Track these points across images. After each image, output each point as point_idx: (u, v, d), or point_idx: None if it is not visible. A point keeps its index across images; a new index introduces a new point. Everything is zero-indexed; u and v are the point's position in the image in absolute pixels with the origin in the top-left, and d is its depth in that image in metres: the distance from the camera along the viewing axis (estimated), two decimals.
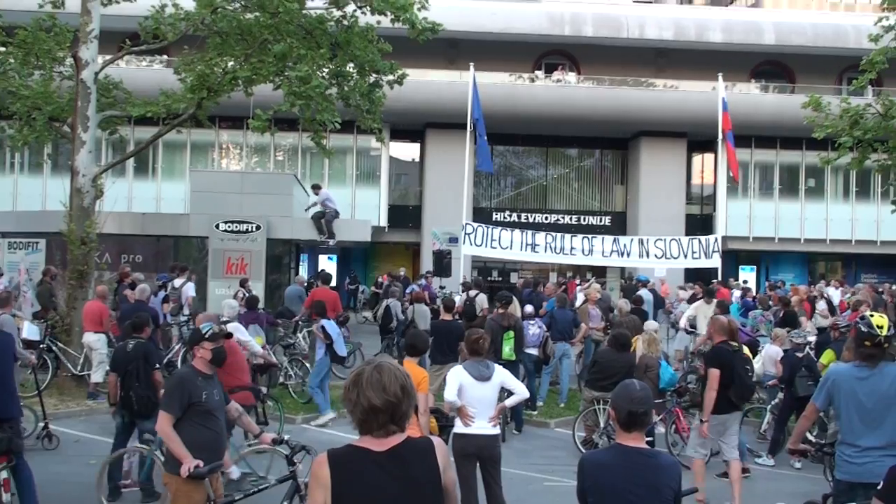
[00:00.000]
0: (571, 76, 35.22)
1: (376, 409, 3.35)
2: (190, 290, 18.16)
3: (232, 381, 8.91)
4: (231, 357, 8.87)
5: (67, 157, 18.16)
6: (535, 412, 14.24)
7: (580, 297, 18.77)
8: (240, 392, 8.93)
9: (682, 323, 16.87)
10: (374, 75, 17.64)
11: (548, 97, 32.48)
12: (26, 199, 30.84)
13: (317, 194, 22.13)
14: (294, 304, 18.59)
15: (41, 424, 11.29)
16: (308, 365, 15.32)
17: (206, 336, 6.53)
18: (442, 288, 23.31)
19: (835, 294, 22.45)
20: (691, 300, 18.32)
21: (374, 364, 3.46)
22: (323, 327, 13.42)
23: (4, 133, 19.57)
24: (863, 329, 6.03)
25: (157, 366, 9.45)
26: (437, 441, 3.57)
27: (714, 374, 9.30)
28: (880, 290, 21.25)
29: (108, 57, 17.39)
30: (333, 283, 24.53)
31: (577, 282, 23.63)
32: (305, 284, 19.63)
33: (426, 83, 29.80)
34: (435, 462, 3.46)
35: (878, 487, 4.72)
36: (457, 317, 14.17)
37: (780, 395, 12.45)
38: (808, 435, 10.16)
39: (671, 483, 4.23)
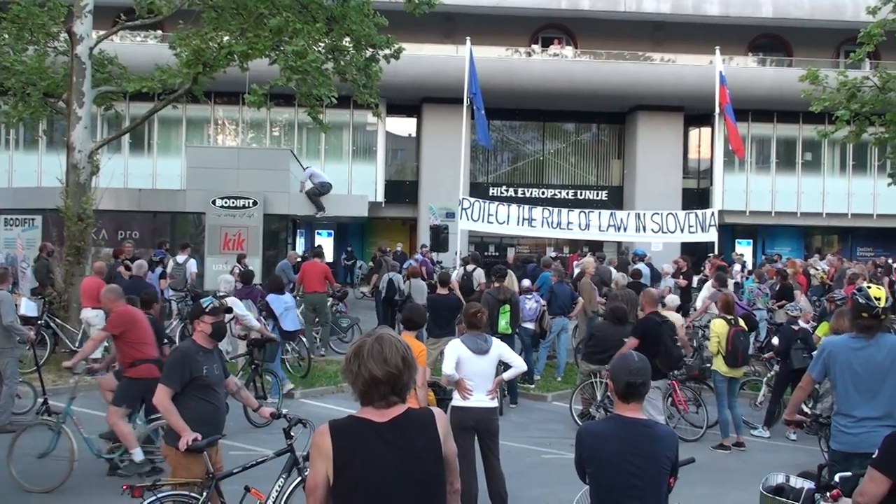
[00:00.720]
0: (568, 50, 35.07)
1: (377, 380, 3.37)
2: (193, 266, 18.17)
3: (135, 353, 8.85)
4: (134, 329, 8.93)
5: (63, 133, 18.13)
6: (533, 386, 14.30)
7: (577, 272, 18.83)
8: (142, 365, 8.80)
9: (699, 304, 16.80)
10: (371, 50, 17.56)
11: (544, 71, 32.36)
12: (22, 176, 30.73)
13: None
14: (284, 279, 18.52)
15: (40, 400, 11.30)
16: (304, 339, 15.39)
17: (207, 310, 6.56)
18: (438, 262, 23.33)
19: (820, 266, 22.46)
20: (675, 275, 18.30)
21: (374, 336, 3.47)
22: (267, 304, 13.43)
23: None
24: (861, 301, 6.05)
25: (165, 341, 9.48)
26: (437, 412, 3.60)
27: (632, 342, 9.94)
28: (879, 265, 21.26)
29: (102, 32, 17.28)
30: (330, 258, 24.60)
31: (577, 256, 23.66)
32: (298, 259, 19.57)
33: (422, 58, 29.68)
34: (435, 432, 3.48)
35: (874, 456, 4.74)
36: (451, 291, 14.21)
37: (776, 367, 12.52)
38: (804, 406, 10.22)
39: (668, 453, 4.27)
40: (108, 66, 18.28)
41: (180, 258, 18.02)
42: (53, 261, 16.70)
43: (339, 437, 3.38)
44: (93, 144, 16.51)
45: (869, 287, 6.18)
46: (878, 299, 6.00)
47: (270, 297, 13.46)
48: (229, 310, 7.22)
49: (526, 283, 15.46)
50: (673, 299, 13.13)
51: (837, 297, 13.09)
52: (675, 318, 12.18)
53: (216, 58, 16.47)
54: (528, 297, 14.62)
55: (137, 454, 8.51)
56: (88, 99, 16.02)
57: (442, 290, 13.48)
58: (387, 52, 17.63)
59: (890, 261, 24.21)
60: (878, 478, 4.66)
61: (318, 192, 21.84)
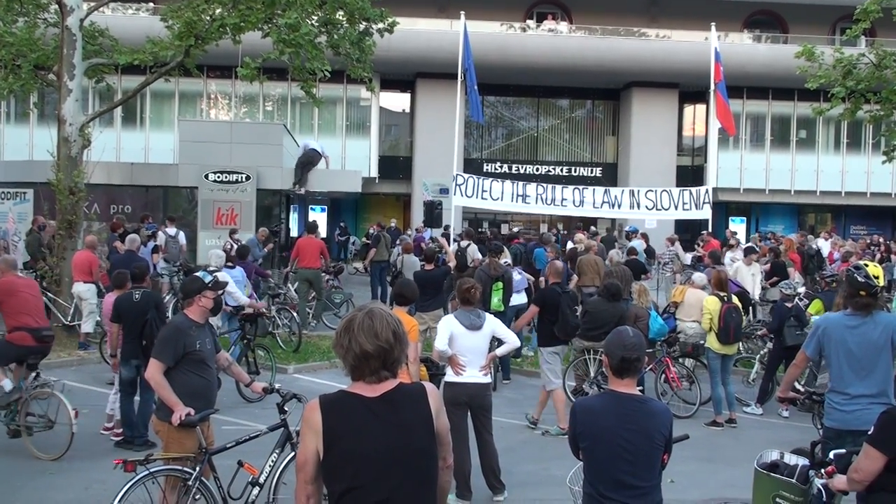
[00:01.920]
0: (563, 26, 34.88)
1: (368, 354, 3.33)
2: (182, 238, 18.09)
3: (12, 320, 9.04)
4: (12, 298, 9.07)
5: (54, 106, 17.96)
6: (519, 359, 14.33)
7: (570, 246, 18.84)
8: (17, 332, 8.98)
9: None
10: (364, 23, 17.42)
11: (539, 47, 32.18)
12: (13, 149, 30.54)
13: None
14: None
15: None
16: (295, 314, 15.39)
17: (210, 285, 6.53)
18: (433, 240, 23.27)
19: (824, 245, 22.51)
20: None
21: (365, 310, 3.43)
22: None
23: None
24: (859, 279, 6.03)
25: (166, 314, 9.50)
26: (429, 387, 3.56)
27: (532, 309, 10.75)
28: (872, 243, 21.30)
29: (93, 3, 17.10)
30: (323, 234, 24.52)
31: (583, 231, 23.59)
32: (265, 236, 19.15)
33: (416, 32, 29.49)
34: (427, 407, 3.44)
35: (869, 433, 4.75)
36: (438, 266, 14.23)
37: (770, 344, 12.53)
38: (797, 384, 10.24)
39: (662, 429, 4.26)
40: (99, 39, 18.08)
41: (171, 231, 17.93)
42: (45, 235, 16.61)
43: (329, 412, 3.35)
44: (84, 117, 16.38)
45: (867, 265, 6.16)
46: (877, 277, 6.00)
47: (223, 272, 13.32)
48: (225, 284, 7.20)
49: (507, 259, 15.46)
50: (700, 277, 13.07)
51: (827, 274, 13.08)
52: (700, 295, 12.19)
53: (208, 30, 16.30)
54: (513, 270, 14.55)
55: (6, 384, 8.92)
56: (79, 71, 15.87)
57: (428, 266, 13.70)
58: (380, 25, 17.49)
59: (881, 239, 24.31)
60: (873, 454, 4.67)
61: (306, 162, 21.67)
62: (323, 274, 17.44)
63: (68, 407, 8.75)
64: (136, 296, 9.27)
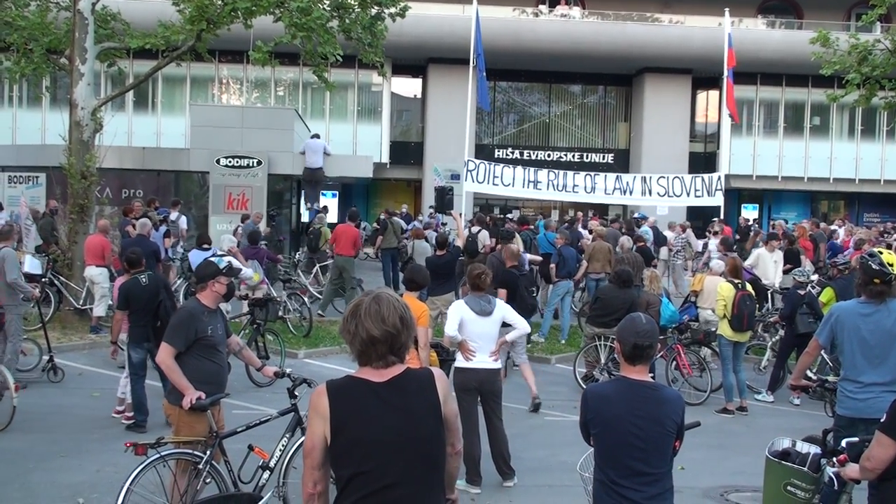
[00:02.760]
0: (576, 11, 34.67)
1: (375, 339, 3.31)
2: (184, 223, 18.07)
3: None
4: None
5: (66, 90, 17.95)
6: (529, 345, 14.33)
7: (584, 233, 18.80)
8: None
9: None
10: (376, 7, 17.35)
11: (551, 32, 31.99)
12: (25, 133, 30.62)
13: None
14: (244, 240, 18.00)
15: (46, 357, 11.35)
16: (306, 299, 15.43)
17: (224, 271, 6.54)
18: (444, 224, 23.25)
19: (840, 232, 22.37)
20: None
21: (372, 295, 3.42)
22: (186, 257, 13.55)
23: (1, 65, 19.31)
24: (874, 267, 5.98)
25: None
26: (437, 372, 3.54)
27: (501, 292, 10.86)
28: (885, 230, 21.15)
29: None
30: (333, 219, 24.50)
31: (597, 217, 23.61)
32: (260, 218, 18.94)
33: (428, 17, 29.37)
34: (435, 393, 3.43)
35: (882, 421, 4.72)
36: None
37: (782, 332, 12.48)
38: (808, 372, 10.20)
39: (674, 416, 4.23)
40: (111, 22, 18.07)
41: (172, 215, 17.95)
42: (58, 218, 16.65)
43: (336, 397, 3.34)
44: (96, 101, 16.38)
45: (881, 252, 6.11)
46: (892, 265, 5.95)
47: (192, 253, 13.44)
48: (239, 270, 7.21)
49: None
50: (719, 265, 12.99)
51: (840, 262, 12.99)
52: (716, 282, 12.13)
53: (220, 14, 16.25)
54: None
55: None
56: (91, 55, 15.86)
57: (439, 252, 13.78)
58: (392, 10, 17.42)
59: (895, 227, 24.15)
60: (886, 442, 4.64)
61: (310, 180, 21.48)
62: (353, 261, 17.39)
63: (9, 379, 8.89)
64: (144, 280, 9.27)
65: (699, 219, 27.93)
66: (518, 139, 36.43)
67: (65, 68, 16.90)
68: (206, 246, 13.85)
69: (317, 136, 22.66)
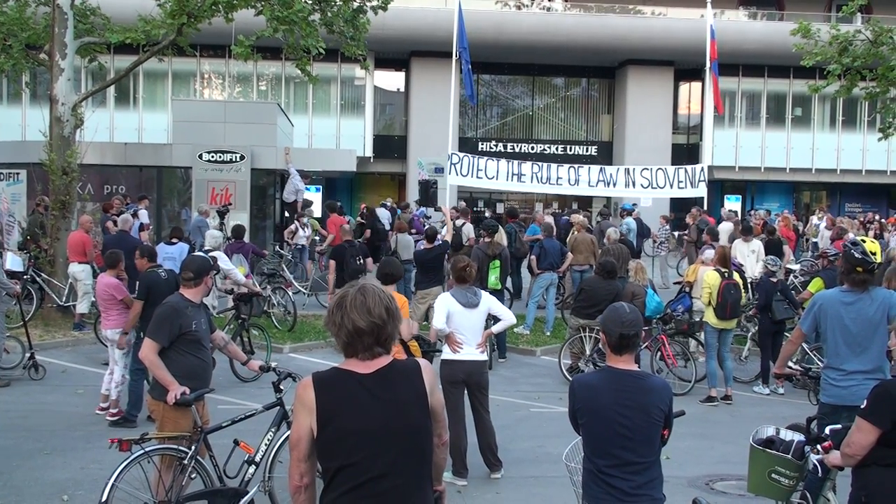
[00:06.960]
0: (558, 3, 34.69)
1: (361, 331, 3.31)
2: (144, 217, 17.93)
3: None
4: None
5: (46, 85, 17.85)
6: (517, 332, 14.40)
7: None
8: None
9: None
10: (358, 0, 17.29)
11: (534, 25, 32.02)
12: (5, 130, 30.29)
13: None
14: (195, 235, 17.35)
15: (27, 355, 11.28)
16: (290, 293, 15.39)
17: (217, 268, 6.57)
18: (428, 217, 23.20)
19: (822, 228, 22.42)
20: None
21: (357, 287, 3.42)
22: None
23: None
24: (856, 255, 6.02)
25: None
26: (423, 363, 3.54)
27: (331, 264, 13.41)
28: (867, 221, 21.27)
29: None
30: (318, 213, 24.44)
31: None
32: (209, 217, 18.81)
33: (411, 10, 29.30)
34: (422, 384, 3.43)
35: (861, 406, 4.76)
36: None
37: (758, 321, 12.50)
38: (790, 362, 10.26)
39: (661, 404, 4.25)
40: (91, 17, 17.91)
41: (141, 210, 17.85)
42: (47, 215, 16.52)
43: (322, 389, 3.34)
44: (76, 97, 16.26)
45: (863, 241, 6.15)
46: (874, 254, 6.00)
47: (159, 247, 12.78)
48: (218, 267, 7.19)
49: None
50: (711, 255, 12.99)
51: (830, 252, 13.03)
52: (703, 270, 12.17)
53: (200, 8, 16.13)
54: None
55: None
56: (71, 50, 15.74)
57: (428, 245, 13.74)
58: (375, 3, 17.35)
59: (878, 217, 24.31)
60: (865, 427, 4.68)
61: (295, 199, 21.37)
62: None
63: None
64: (163, 273, 9.11)
65: (682, 210, 28.01)
66: (502, 132, 36.43)
67: (44, 64, 16.76)
68: (174, 240, 13.31)
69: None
